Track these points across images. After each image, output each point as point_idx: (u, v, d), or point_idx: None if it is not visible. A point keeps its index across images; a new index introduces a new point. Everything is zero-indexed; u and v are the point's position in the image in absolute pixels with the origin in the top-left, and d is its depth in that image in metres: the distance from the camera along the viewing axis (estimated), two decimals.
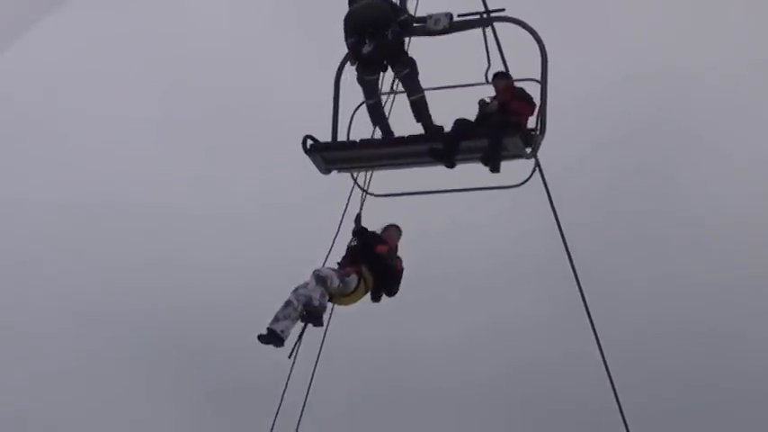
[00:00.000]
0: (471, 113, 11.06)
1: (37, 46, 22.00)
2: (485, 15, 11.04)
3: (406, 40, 11.36)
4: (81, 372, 24.19)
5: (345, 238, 12.67)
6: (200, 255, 24.56)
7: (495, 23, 11.06)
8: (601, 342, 10.74)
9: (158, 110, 24.88)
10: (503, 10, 10.97)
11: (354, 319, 13.04)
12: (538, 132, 10.79)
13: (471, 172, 10.76)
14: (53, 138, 24.29)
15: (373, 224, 12.71)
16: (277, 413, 12.35)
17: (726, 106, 23.97)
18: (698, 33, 23.95)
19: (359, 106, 11.64)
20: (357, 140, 11.59)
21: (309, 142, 11.35)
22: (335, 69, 11.58)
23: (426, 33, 11.24)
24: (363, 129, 11.62)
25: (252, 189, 24.38)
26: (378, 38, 11.03)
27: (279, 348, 11.84)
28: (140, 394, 24.39)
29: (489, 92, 11.21)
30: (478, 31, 11.11)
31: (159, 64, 24.50)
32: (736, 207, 23.38)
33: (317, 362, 13.37)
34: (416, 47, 11.38)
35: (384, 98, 11.65)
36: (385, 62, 11.26)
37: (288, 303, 11.91)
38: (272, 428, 12.30)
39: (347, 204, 12.61)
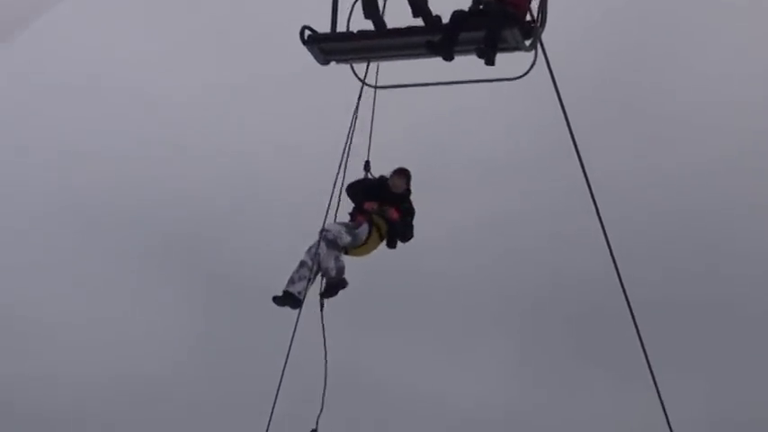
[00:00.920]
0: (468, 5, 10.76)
1: None
2: None
3: None
4: (71, 260, 24.00)
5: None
6: (200, 140, 24.20)
7: None
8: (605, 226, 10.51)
9: None
10: None
11: None
12: (538, 24, 10.42)
13: (474, 63, 10.52)
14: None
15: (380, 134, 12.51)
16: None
17: None
18: None
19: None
20: (355, 31, 11.36)
21: (307, 33, 11.20)
22: None
23: None
24: (365, 22, 11.37)
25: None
26: None
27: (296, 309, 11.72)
28: (132, 285, 24.29)
29: None
30: None
31: None
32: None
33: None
34: None
35: None
36: None
37: (302, 264, 11.92)
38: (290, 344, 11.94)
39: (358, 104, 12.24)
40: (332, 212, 12.18)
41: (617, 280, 10.35)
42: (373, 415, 23.00)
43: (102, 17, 23.17)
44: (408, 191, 12.82)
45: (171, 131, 23.80)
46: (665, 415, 9.98)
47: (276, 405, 11.58)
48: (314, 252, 11.93)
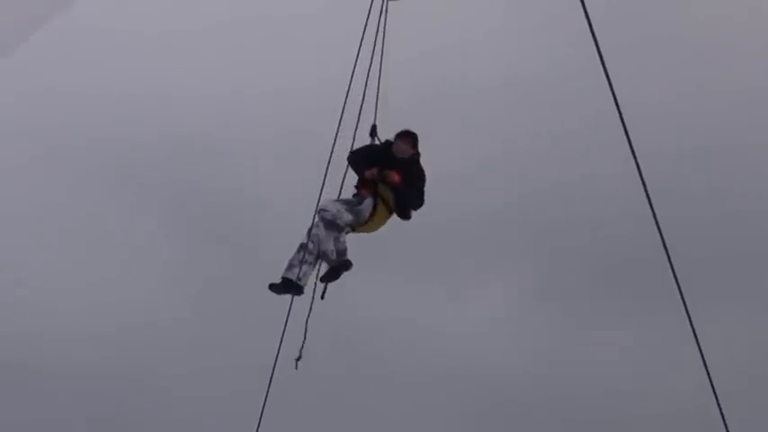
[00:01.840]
0: None
1: None
2: None
3: None
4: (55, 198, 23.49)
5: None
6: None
7: None
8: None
9: None
10: None
11: None
12: None
13: None
14: None
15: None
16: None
17: None
18: None
19: None
20: None
21: None
22: None
23: None
24: None
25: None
26: None
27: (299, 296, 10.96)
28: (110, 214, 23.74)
29: None
30: None
31: None
32: None
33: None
34: None
35: None
36: None
37: (302, 247, 10.99)
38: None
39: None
40: (332, 189, 11.28)
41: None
42: (368, 358, 22.20)
43: None
44: (417, 154, 11.55)
45: (160, 68, 22.99)
46: (699, 349, 9.31)
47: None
48: (314, 233, 10.96)
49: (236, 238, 22.83)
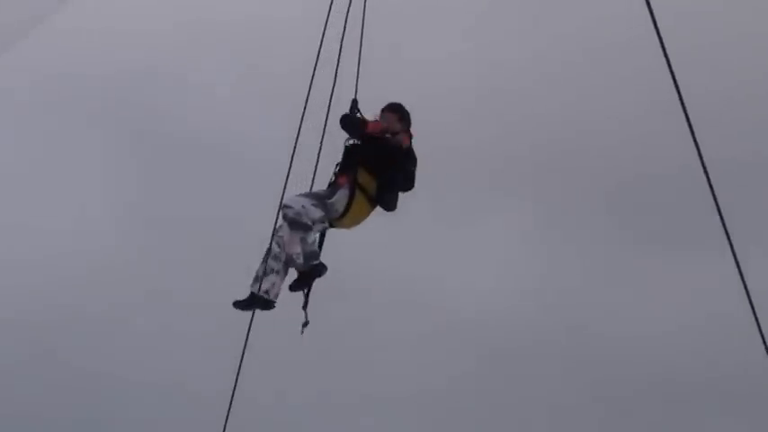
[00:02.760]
0: None
1: None
2: None
3: None
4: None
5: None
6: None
7: None
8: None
9: None
10: None
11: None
12: None
13: None
14: None
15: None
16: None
17: None
18: None
19: None
20: None
21: None
22: None
23: None
24: None
25: None
26: None
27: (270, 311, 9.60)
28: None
29: None
30: None
31: None
32: None
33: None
34: None
35: None
36: None
37: (268, 253, 9.57)
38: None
39: None
40: (301, 181, 9.86)
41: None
42: (359, 312, 20.96)
43: None
44: (408, 135, 10.03)
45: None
46: (744, 284, 8.73)
47: None
48: (280, 235, 9.58)
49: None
